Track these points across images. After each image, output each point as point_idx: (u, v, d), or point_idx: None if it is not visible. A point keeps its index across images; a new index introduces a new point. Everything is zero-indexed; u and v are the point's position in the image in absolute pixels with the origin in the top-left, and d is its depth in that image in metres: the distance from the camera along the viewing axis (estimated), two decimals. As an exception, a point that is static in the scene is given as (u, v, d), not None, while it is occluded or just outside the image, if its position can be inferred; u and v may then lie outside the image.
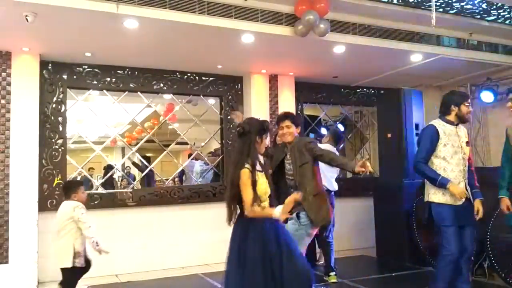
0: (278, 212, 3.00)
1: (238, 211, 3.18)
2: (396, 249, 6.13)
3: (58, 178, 5.73)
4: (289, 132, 3.88)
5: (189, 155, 7.77)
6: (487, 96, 7.08)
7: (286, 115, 4.00)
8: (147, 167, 6.83)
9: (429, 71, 6.82)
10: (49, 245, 5.57)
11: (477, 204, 3.80)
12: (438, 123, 3.97)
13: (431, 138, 3.89)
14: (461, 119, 3.97)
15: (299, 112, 7.23)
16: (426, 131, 3.98)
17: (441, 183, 3.75)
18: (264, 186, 3.15)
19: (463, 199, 3.78)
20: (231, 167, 3.25)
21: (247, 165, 3.08)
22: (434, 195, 3.87)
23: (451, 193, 3.74)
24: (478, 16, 5.87)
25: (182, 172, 8.33)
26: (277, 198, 3.33)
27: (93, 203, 5.92)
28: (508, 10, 5.77)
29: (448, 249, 3.74)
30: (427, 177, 3.92)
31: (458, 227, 3.77)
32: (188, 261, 6.09)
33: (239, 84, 6.90)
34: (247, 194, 3.04)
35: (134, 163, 7.11)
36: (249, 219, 3.07)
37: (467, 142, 3.97)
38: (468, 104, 3.98)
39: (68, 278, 4.20)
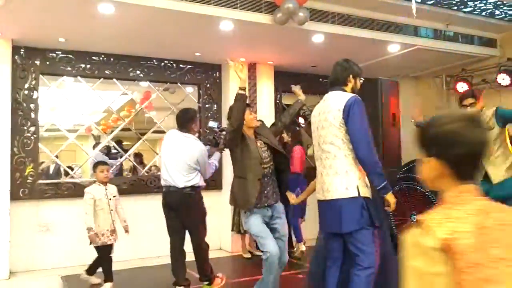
0: None
1: None
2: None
3: (30, 167, 5.61)
4: None
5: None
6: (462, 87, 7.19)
7: None
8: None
9: (406, 61, 6.87)
10: (21, 234, 5.50)
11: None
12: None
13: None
14: None
15: (278, 101, 7.21)
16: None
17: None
18: None
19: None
20: None
21: None
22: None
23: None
24: (455, 8, 5.93)
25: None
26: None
27: (67, 192, 5.82)
28: (484, 2, 5.84)
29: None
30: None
31: None
32: (163, 250, 6.01)
33: (217, 72, 6.84)
34: None
35: None
36: None
37: None
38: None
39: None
